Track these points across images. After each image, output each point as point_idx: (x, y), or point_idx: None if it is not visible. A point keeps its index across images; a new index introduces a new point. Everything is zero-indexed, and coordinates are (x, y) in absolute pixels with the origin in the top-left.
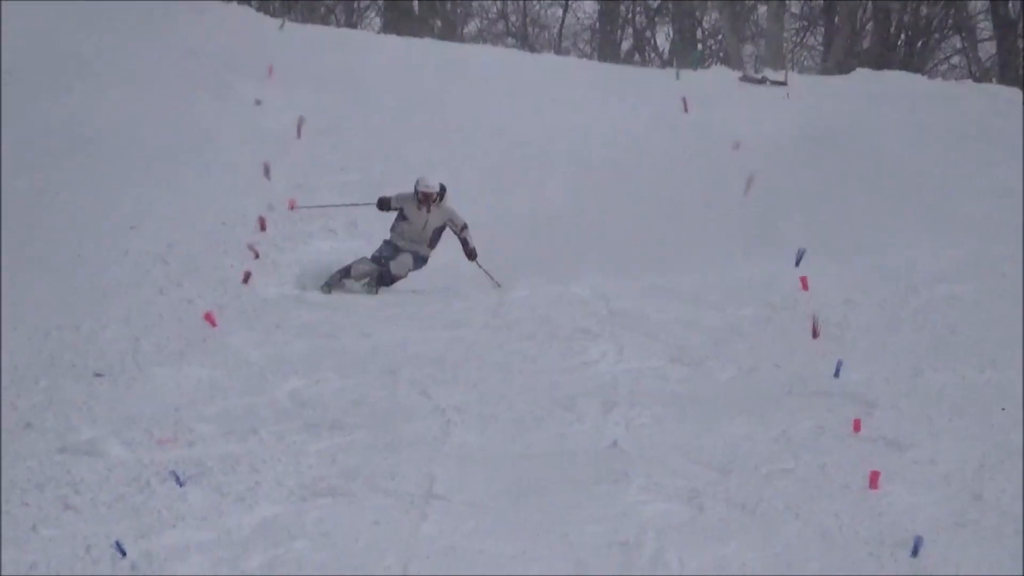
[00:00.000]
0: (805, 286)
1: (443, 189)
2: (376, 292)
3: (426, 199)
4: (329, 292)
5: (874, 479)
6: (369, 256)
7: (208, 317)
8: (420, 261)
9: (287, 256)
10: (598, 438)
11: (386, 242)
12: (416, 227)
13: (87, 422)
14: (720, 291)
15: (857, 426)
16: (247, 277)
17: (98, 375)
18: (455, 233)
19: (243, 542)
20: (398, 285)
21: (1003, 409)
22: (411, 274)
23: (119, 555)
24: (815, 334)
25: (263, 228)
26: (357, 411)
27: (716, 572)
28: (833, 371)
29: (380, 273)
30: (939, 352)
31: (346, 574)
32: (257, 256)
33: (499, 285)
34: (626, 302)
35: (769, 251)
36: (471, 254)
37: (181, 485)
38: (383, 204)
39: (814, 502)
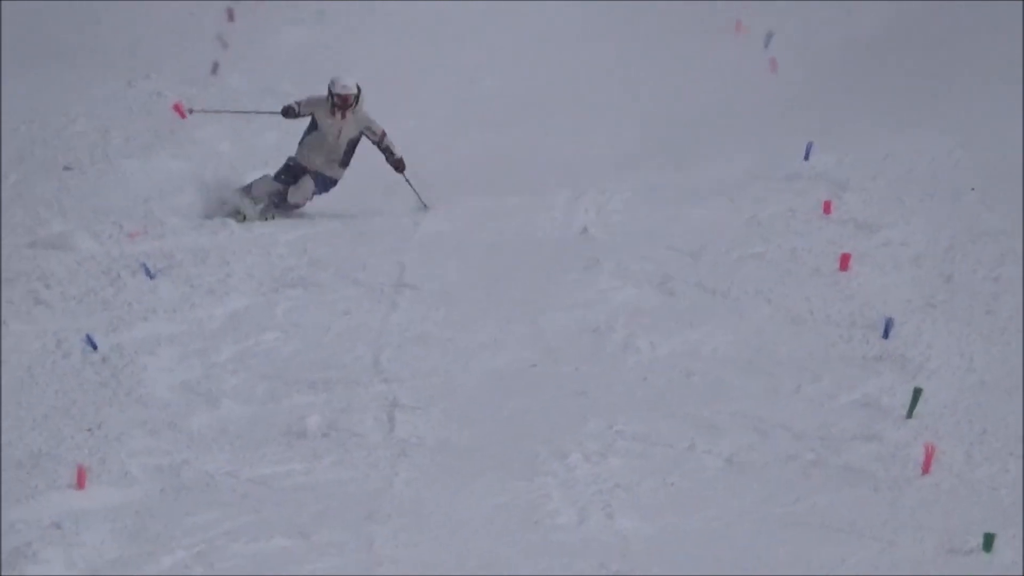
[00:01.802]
0: (774, 68)
1: (359, 91)
2: (271, 218)
3: (343, 103)
4: (241, 220)
5: (845, 261)
6: (272, 175)
7: (177, 108)
8: (328, 184)
9: (256, 47)
10: (568, 225)
11: (290, 160)
12: (328, 139)
13: (57, 216)
14: (689, 80)
15: (827, 208)
16: (215, 68)
17: (67, 168)
18: (374, 143)
19: (213, 334)
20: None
21: (973, 189)
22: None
23: (90, 348)
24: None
25: (231, 19)
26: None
27: (687, 355)
28: (803, 154)
29: (279, 197)
30: (907, 132)
31: (317, 363)
32: (226, 46)
33: (426, 206)
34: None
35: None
36: (398, 165)
37: (151, 278)
38: (288, 112)
39: (785, 285)
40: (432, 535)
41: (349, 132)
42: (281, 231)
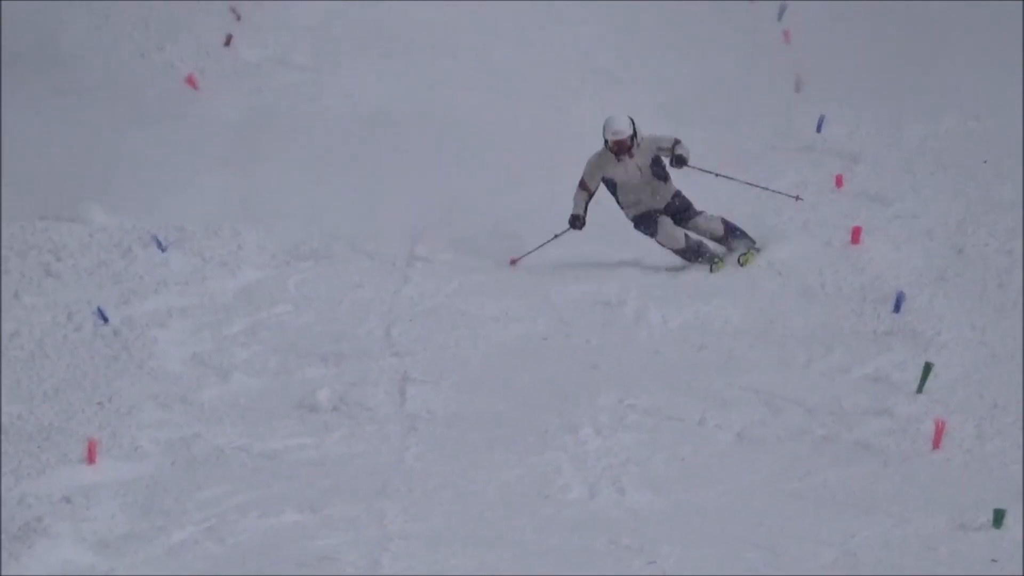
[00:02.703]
0: (788, 39)
1: (633, 125)
2: (716, 264)
3: (620, 148)
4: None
5: (856, 234)
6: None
7: (190, 80)
8: (678, 203)
9: (269, 18)
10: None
11: (636, 220)
12: (635, 181)
13: (68, 189)
14: (702, 51)
15: (839, 181)
16: (229, 40)
17: (79, 141)
18: (666, 155)
19: (225, 307)
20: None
21: (985, 162)
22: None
23: (101, 321)
24: (798, 88)
25: None
26: (341, 168)
27: (698, 329)
28: (816, 126)
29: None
30: (921, 104)
31: (328, 336)
32: (239, 18)
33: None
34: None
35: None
36: (675, 160)
37: (163, 250)
38: (581, 203)
39: (796, 258)
40: (443, 509)
41: (646, 160)
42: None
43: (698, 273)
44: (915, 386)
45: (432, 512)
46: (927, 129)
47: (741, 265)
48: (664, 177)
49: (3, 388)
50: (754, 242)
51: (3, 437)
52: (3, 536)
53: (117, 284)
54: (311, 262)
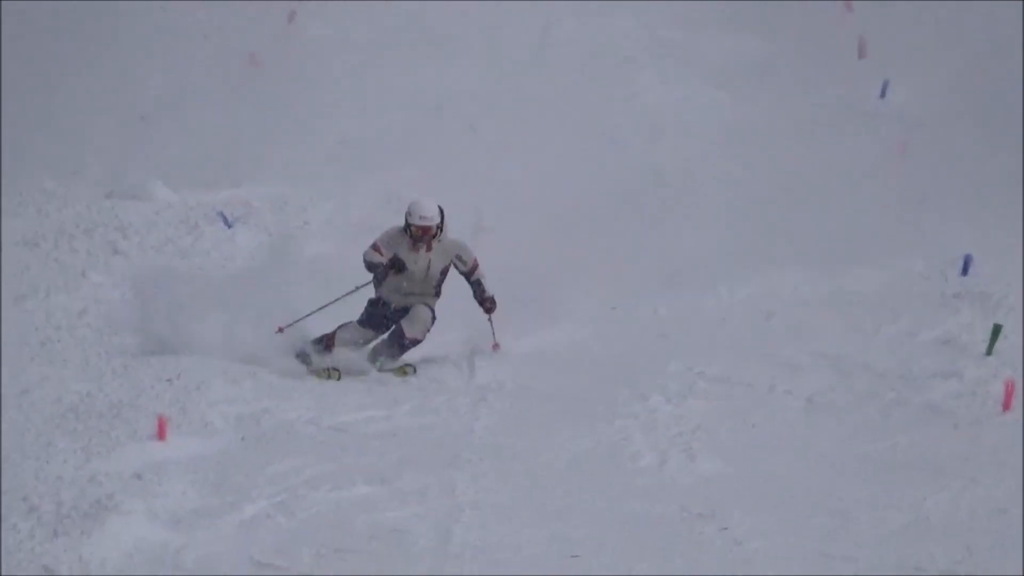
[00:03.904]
0: (850, 7)
1: (442, 216)
2: (383, 369)
3: (424, 234)
4: (311, 368)
5: (921, 198)
6: (355, 321)
7: (252, 58)
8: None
9: None
10: (644, 168)
11: (373, 302)
12: (416, 275)
13: (133, 166)
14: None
15: (903, 147)
16: (292, 16)
17: (143, 119)
18: (463, 274)
19: (293, 280)
20: (411, 355)
21: None
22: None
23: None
24: (861, 54)
25: None
26: (406, 148)
27: (766, 297)
28: (879, 91)
29: (389, 339)
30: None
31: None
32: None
33: (497, 346)
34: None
35: None
36: (487, 304)
37: (229, 226)
38: (376, 267)
39: (862, 223)
40: (513, 480)
41: (439, 263)
42: (360, 179)
43: (761, 241)
44: (984, 348)
45: (503, 483)
46: (994, 91)
47: (379, 371)
48: (438, 292)
49: (73, 366)
50: (411, 365)
51: (73, 415)
52: (75, 514)
53: (184, 260)
54: (375, 235)
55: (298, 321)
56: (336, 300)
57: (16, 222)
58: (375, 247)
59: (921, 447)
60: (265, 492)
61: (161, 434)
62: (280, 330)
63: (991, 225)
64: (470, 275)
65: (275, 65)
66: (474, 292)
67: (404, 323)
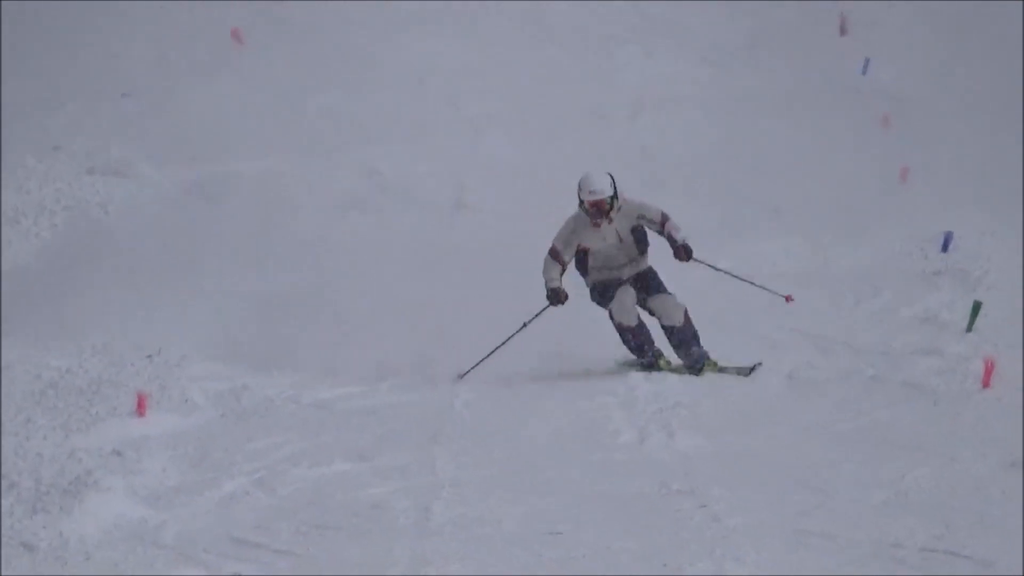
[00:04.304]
0: None
1: (614, 184)
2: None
3: (598, 208)
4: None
5: (904, 174)
6: (608, 308)
7: (235, 33)
8: (649, 280)
9: None
10: (628, 143)
11: (593, 289)
12: (610, 248)
13: (116, 143)
14: None
15: (886, 121)
16: None
17: (125, 95)
18: (655, 231)
19: (275, 256)
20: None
21: None
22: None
23: None
24: (843, 31)
25: None
26: (389, 123)
27: (745, 271)
28: (861, 68)
29: (675, 346)
30: (972, 46)
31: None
32: None
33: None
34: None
35: None
36: (679, 253)
37: (213, 201)
38: (556, 274)
39: (844, 199)
40: (493, 456)
41: (625, 228)
42: (344, 154)
43: (748, 214)
44: (964, 325)
45: (483, 459)
46: (977, 70)
47: (697, 375)
48: (643, 250)
49: (53, 343)
50: (707, 354)
51: (53, 392)
52: (54, 491)
53: (166, 235)
54: (356, 212)
55: (475, 367)
56: (508, 339)
57: None
58: (553, 252)
59: (901, 424)
60: (245, 468)
61: (141, 410)
62: (461, 376)
63: (971, 202)
64: (661, 230)
65: (257, 41)
66: (671, 245)
67: (612, 309)
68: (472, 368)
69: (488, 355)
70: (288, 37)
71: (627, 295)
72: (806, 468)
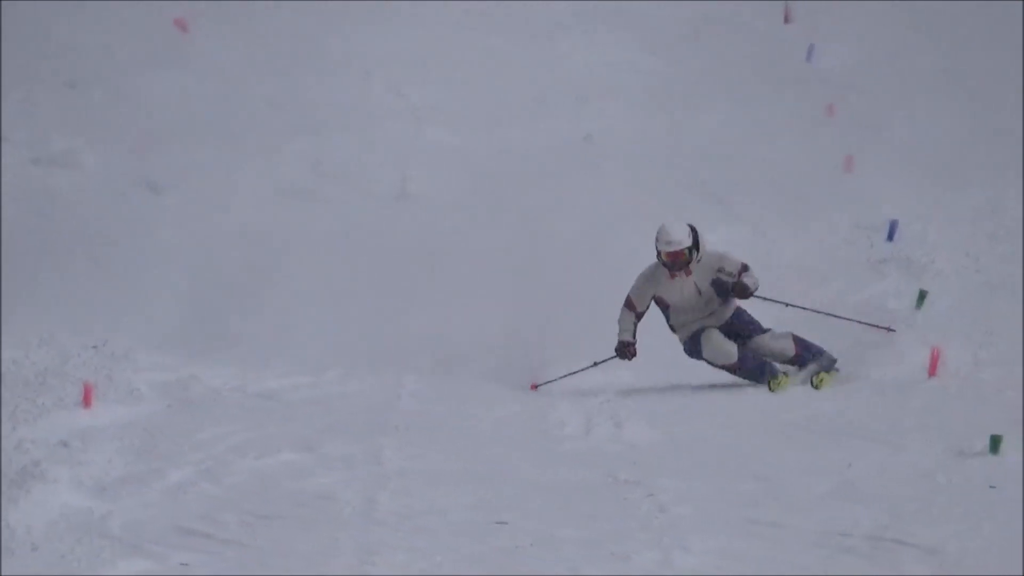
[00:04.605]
0: None
1: (695, 234)
2: (775, 383)
3: (675, 260)
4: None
5: (849, 163)
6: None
7: (178, 23)
8: (740, 327)
9: None
10: (572, 132)
11: (688, 344)
12: (688, 300)
13: (60, 133)
14: None
15: (831, 111)
16: None
17: (71, 86)
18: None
19: (220, 246)
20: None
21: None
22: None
23: None
24: (787, 19)
25: None
26: (333, 112)
27: None
28: (805, 55)
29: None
30: (917, 33)
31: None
32: None
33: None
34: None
35: None
36: (736, 290)
37: (157, 193)
38: (628, 326)
39: (789, 187)
40: (439, 447)
41: (704, 282)
42: (287, 141)
43: (693, 204)
44: (910, 314)
45: (429, 449)
46: (922, 58)
47: (815, 387)
48: (725, 297)
49: (1, 334)
50: (835, 360)
51: (1, 383)
52: (2, 481)
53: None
54: (303, 200)
55: (550, 382)
56: (585, 369)
57: None
58: (627, 302)
59: (847, 413)
60: (191, 459)
61: (87, 401)
62: (534, 387)
63: (916, 190)
64: (739, 279)
65: (202, 30)
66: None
67: (705, 353)
68: (546, 383)
69: (563, 376)
70: (233, 27)
71: (714, 334)
72: (753, 458)
